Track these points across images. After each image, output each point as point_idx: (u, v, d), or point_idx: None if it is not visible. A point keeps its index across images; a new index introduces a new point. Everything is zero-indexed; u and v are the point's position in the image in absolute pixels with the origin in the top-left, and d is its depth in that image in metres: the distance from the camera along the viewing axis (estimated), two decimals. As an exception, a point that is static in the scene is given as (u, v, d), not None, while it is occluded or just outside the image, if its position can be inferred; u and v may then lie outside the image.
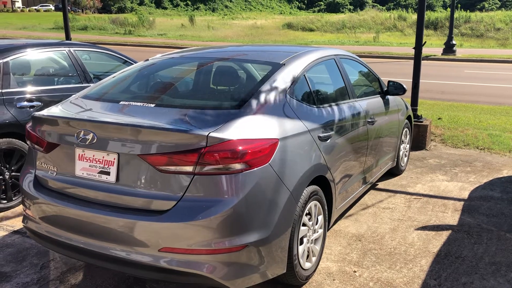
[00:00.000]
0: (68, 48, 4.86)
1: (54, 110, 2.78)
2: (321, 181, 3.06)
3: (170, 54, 3.62)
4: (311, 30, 39.43)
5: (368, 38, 32.39)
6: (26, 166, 2.87)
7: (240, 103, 2.61)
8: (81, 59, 5.03)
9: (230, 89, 2.98)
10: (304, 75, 3.14)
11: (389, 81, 4.51)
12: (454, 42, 21.21)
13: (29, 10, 66.16)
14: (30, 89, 4.30)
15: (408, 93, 6.54)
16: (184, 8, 65.09)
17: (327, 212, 3.14)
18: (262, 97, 2.68)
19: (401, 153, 5.07)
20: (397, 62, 18.82)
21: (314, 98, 3.16)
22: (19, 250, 3.38)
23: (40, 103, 4.26)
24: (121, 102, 2.75)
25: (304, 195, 2.74)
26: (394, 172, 5.09)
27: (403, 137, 5.08)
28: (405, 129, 5.15)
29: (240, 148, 2.30)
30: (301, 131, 2.80)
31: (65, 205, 2.52)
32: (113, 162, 2.42)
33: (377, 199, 4.45)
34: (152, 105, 2.66)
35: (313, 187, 2.87)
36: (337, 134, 3.23)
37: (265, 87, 2.77)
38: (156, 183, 2.34)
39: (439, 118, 8.00)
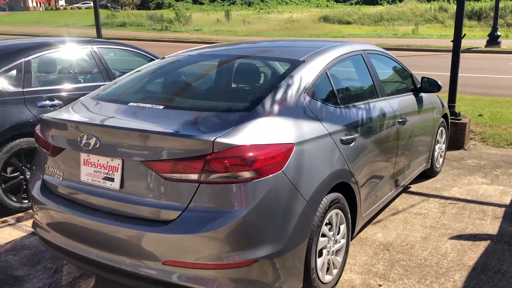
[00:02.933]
0: (91, 46, 4.81)
1: (61, 112, 2.68)
2: (344, 188, 2.84)
3: (187, 51, 3.47)
4: (348, 22, 38.60)
5: (407, 30, 31.37)
6: (34, 170, 2.79)
7: (252, 105, 2.42)
8: (105, 57, 4.97)
9: (243, 89, 2.80)
10: (326, 73, 2.92)
11: (422, 78, 4.20)
12: (499, 33, 20.17)
13: (71, 8, 68.17)
14: (51, 88, 4.26)
15: (446, 87, 6.16)
16: (220, 3, 65.23)
17: (350, 221, 2.92)
18: (277, 98, 2.49)
19: (436, 153, 4.75)
20: (437, 55, 18.07)
21: (337, 97, 2.93)
22: (35, 252, 3.33)
23: (61, 102, 4.22)
24: (130, 104, 2.62)
25: (324, 204, 2.53)
26: (428, 174, 4.77)
27: (438, 136, 4.75)
28: (441, 128, 4.82)
29: (249, 154, 2.12)
30: (321, 134, 2.58)
31: (71, 212, 2.42)
32: (117, 168, 2.30)
33: (409, 204, 4.17)
34: (161, 107, 2.51)
35: (334, 195, 2.66)
36: (363, 136, 3.00)
37: (281, 86, 2.57)
38: (160, 191, 2.20)
39: (480, 115, 7.54)
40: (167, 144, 2.16)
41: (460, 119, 5.99)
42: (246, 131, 2.21)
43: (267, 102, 2.44)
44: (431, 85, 4.17)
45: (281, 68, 2.89)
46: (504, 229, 3.62)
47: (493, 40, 20.03)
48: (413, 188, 4.56)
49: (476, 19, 32.92)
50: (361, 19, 38.61)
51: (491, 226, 3.68)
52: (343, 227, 2.84)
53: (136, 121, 2.40)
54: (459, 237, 3.51)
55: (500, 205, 4.11)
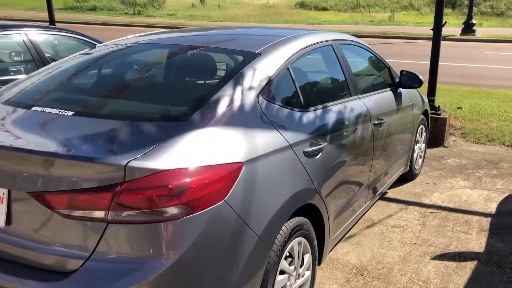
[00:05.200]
0: (23, 31, 4.14)
1: None
2: (308, 209, 2.33)
3: (124, 39, 2.87)
4: (325, 9, 37.98)
5: (383, 17, 31.03)
6: None
7: (187, 112, 1.86)
8: (43, 44, 4.31)
9: (181, 91, 2.21)
10: (288, 69, 2.38)
11: (401, 71, 3.71)
12: (473, 21, 19.97)
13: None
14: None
15: (424, 77, 5.71)
16: (195, -13, 63.59)
17: (317, 248, 2.42)
18: (221, 102, 1.93)
19: (415, 154, 4.30)
20: (413, 43, 17.73)
21: (301, 98, 2.40)
22: None
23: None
24: (34, 108, 2.03)
25: (283, 234, 2.01)
26: (407, 177, 4.32)
27: (418, 135, 4.30)
28: (421, 126, 4.36)
29: (177, 182, 1.58)
30: (279, 147, 2.05)
31: None
32: (1, 199, 1.72)
33: (386, 214, 3.70)
34: (70, 113, 1.93)
35: (297, 220, 2.15)
36: (332, 145, 2.48)
37: (228, 87, 2.02)
38: (56, 232, 1.63)
39: (459, 108, 7.16)
40: (63, 170, 1.59)
41: (440, 114, 5.56)
42: (174, 149, 1.65)
43: (208, 107, 1.89)
44: (411, 80, 3.68)
45: (232, 62, 2.33)
46: (492, 246, 3.19)
47: (468, 28, 19.81)
48: (391, 193, 4.10)
49: (451, 7, 32.81)
50: (338, 6, 38.01)
51: (477, 242, 3.24)
52: (307, 257, 2.34)
53: (29, 135, 1.81)
54: (442, 256, 3.06)
55: (485, 214, 3.68)
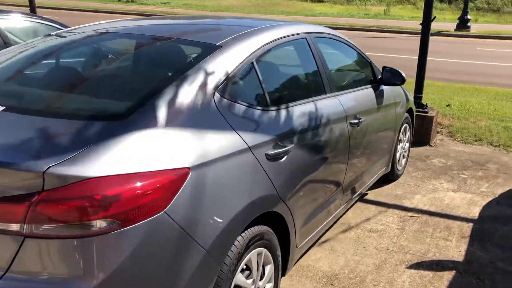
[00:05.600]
0: (-14, 17, 3.91)
1: None
2: (272, 217, 2.14)
3: (83, 27, 2.65)
4: (321, 1, 37.66)
5: (379, 11, 30.82)
6: None
7: (128, 110, 1.66)
8: (12, 32, 4.09)
9: (126, 85, 2.00)
10: (252, 63, 2.18)
11: (384, 67, 3.51)
12: (469, 17, 19.77)
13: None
14: None
15: (415, 73, 5.54)
16: (190, -25, 62.91)
17: (280, 259, 2.24)
18: (169, 100, 1.73)
19: (398, 154, 4.12)
20: (407, 38, 17.53)
21: (266, 96, 2.20)
22: None
23: None
24: (-38, 102, 1.82)
25: (237, 246, 1.83)
26: (389, 177, 4.15)
27: (401, 135, 4.12)
28: (405, 125, 4.18)
29: (103, 192, 1.38)
30: (236, 150, 1.86)
31: None
32: None
33: (363, 217, 3.53)
34: (1, 108, 1.73)
35: (256, 229, 1.96)
36: (300, 147, 2.29)
37: (179, 83, 1.82)
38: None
39: (448, 105, 6.99)
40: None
41: (427, 112, 5.38)
42: (106, 153, 1.46)
43: (152, 105, 1.69)
44: (393, 76, 3.49)
45: (189, 55, 2.12)
46: (472, 254, 3.03)
47: (463, 23, 19.63)
48: (371, 195, 3.93)
49: (447, 2, 32.59)
50: (334, -2, 37.74)
51: (457, 250, 3.08)
52: (269, 269, 2.16)
53: None
54: (419, 265, 2.89)
55: (467, 220, 3.52)
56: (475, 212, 3.65)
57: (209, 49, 2.06)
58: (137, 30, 2.49)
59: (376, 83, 3.50)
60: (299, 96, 2.50)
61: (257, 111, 2.09)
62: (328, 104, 2.68)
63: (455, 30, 19.61)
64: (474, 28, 20.17)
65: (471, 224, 3.45)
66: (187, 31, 2.44)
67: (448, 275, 2.79)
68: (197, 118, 1.77)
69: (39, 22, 4.42)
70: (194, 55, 2.05)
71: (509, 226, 3.42)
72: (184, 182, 1.59)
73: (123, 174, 1.44)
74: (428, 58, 5.42)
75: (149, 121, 1.62)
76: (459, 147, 5.34)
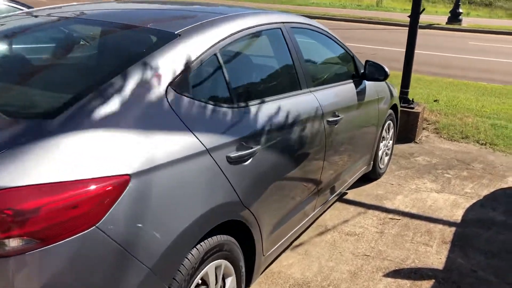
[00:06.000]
0: None
1: None
2: (235, 224, 1.95)
3: (21, 13, 2.40)
4: (314, -9, 37.35)
5: (371, 2, 30.59)
6: None
7: (58, 108, 1.45)
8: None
9: (65, 79, 1.77)
10: (215, 55, 1.97)
11: (367, 62, 3.32)
12: (460, 10, 19.63)
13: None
14: None
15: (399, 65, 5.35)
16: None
17: (244, 269, 2.05)
18: (109, 95, 1.52)
19: (380, 152, 3.95)
20: (398, 30, 17.34)
21: (231, 92, 2.00)
22: None
23: None
24: None
25: (191, 260, 1.64)
26: (370, 176, 3.98)
27: (384, 132, 3.94)
28: (388, 121, 4.00)
29: (16, 206, 1.18)
30: (191, 153, 1.66)
31: None
32: None
33: (341, 218, 3.36)
34: None
35: (214, 240, 1.78)
36: (267, 148, 2.09)
37: (124, 76, 1.61)
38: None
39: (436, 100, 6.84)
40: None
41: (412, 108, 5.21)
42: (24, 158, 1.25)
43: (87, 102, 1.47)
44: (377, 70, 3.30)
45: (143, 44, 1.90)
46: (453, 262, 2.87)
47: (454, 17, 19.49)
48: (350, 195, 3.75)
49: (440, -6, 32.43)
50: (327, -13, 37.37)
51: (437, 257, 2.93)
52: (230, 281, 1.97)
53: None
54: (397, 273, 2.73)
55: (449, 223, 3.37)
56: (458, 215, 3.50)
57: (165, 38, 1.85)
58: (89, 15, 2.25)
59: (358, 77, 3.30)
60: (270, 92, 2.30)
61: (219, 109, 1.89)
62: (303, 101, 2.48)
63: (447, 23, 19.47)
64: (466, 22, 20.05)
65: (453, 228, 3.29)
66: (145, 17, 2.21)
67: (427, 285, 2.63)
68: (144, 117, 1.56)
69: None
70: (147, 45, 1.83)
71: (492, 231, 3.27)
72: (123, 191, 1.39)
73: (44, 184, 1.23)
74: (418, 51, 5.25)
75: (81, 121, 1.40)
76: (444, 145, 5.18)
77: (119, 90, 1.55)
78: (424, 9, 5.04)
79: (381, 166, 4.07)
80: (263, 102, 2.16)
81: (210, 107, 1.84)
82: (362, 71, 3.33)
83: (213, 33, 2.00)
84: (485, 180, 4.19)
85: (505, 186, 4.09)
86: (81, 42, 2.11)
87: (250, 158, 1.96)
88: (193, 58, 1.84)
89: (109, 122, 1.46)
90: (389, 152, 4.24)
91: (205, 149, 1.73)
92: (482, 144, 5.22)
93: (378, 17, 21.07)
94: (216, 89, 1.95)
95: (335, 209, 3.49)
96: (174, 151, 1.60)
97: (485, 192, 3.95)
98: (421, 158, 4.71)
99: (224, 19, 2.14)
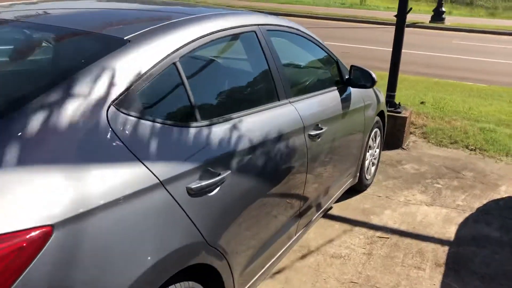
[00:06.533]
0: None
1: None
2: (199, 267, 1.64)
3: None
4: (297, -12, 37.13)
5: (355, 0, 30.46)
6: None
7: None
8: None
9: None
10: (175, 64, 1.65)
11: (352, 67, 3.03)
12: (443, 9, 19.59)
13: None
14: None
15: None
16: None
17: (210, 316, 1.74)
18: (31, 120, 1.19)
19: (367, 162, 3.67)
20: (382, 28, 17.18)
21: (193, 109, 1.68)
22: None
23: None
24: None
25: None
26: (356, 188, 3.70)
27: (371, 141, 3.66)
28: (375, 129, 3.73)
29: None
30: (139, 188, 1.34)
31: None
32: None
33: (326, 237, 3.07)
34: None
35: (171, 290, 1.46)
36: (238, 174, 1.78)
37: (53, 93, 1.28)
38: None
39: (422, 102, 6.62)
40: None
41: (399, 112, 4.95)
42: None
43: (2, 130, 1.14)
44: (363, 77, 3.01)
45: (85, 53, 1.57)
46: (448, 288, 2.61)
47: (437, 16, 19.44)
48: (335, 209, 3.47)
49: (423, -7, 32.50)
50: (310, -15, 37.19)
51: (430, 282, 2.66)
52: (194, 333, 1.66)
53: None
54: (386, 304, 2.45)
55: (442, 242, 3.10)
56: (450, 232, 3.24)
57: (111, 45, 1.52)
58: (34, 18, 1.91)
59: (342, 84, 3.01)
60: (242, 105, 1.99)
61: (178, 130, 1.57)
62: (281, 114, 2.18)
63: (430, 22, 19.41)
64: (449, 20, 20.02)
65: (446, 248, 3.03)
66: (95, 20, 1.87)
67: (421, 318, 2.35)
68: (76, 147, 1.24)
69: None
70: (90, 53, 1.51)
71: (488, 250, 3.02)
72: (42, 247, 1.07)
73: None
74: (402, 50, 4.98)
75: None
76: (433, 151, 4.94)
77: (43, 113, 1.22)
78: (411, 9, 4.79)
79: (367, 177, 3.80)
80: (233, 118, 1.85)
81: (165, 128, 1.52)
82: (347, 77, 3.04)
83: (172, 38, 1.68)
84: (477, 190, 3.95)
85: (497, 196, 3.86)
86: (16, 51, 1.76)
87: (217, 187, 1.65)
88: (145, 69, 1.52)
89: (27, 156, 1.13)
90: (375, 161, 3.97)
91: (158, 181, 1.41)
92: (471, 149, 4.99)
93: (362, 16, 20.88)
94: (174, 106, 1.63)
95: (319, 227, 3.20)
96: (117, 188, 1.28)
97: (478, 204, 3.70)
98: (409, 166, 4.45)
99: (186, 21, 1.82)
